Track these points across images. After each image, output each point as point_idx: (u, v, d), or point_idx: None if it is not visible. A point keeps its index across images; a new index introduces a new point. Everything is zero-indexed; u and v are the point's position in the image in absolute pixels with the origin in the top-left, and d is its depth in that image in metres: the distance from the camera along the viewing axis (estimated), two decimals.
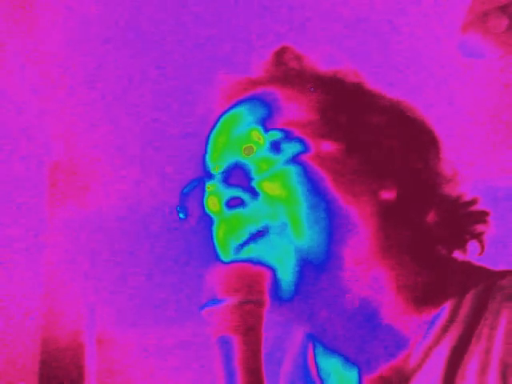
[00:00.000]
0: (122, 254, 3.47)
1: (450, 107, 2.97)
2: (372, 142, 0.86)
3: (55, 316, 3.17)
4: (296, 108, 0.87)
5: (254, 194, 0.82)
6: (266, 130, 0.83)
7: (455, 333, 0.79)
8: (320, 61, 0.95)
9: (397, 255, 0.84)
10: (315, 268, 0.79)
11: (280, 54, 0.95)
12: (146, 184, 3.47)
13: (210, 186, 0.85)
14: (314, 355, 0.91)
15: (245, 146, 0.84)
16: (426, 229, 0.86)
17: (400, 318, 0.82)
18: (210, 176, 0.86)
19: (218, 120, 0.92)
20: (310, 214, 0.79)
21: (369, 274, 0.82)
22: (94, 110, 3.03)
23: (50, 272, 3.18)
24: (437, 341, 0.79)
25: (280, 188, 0.80)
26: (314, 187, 0.80)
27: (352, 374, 0.83)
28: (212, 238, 0.90)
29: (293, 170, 0.81)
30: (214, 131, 0.91)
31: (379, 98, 0.92)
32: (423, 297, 0.83)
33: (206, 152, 0.92)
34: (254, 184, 0.82)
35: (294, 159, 0.81)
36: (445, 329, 0.80)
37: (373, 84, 0.96)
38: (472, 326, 0.79)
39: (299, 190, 0.80)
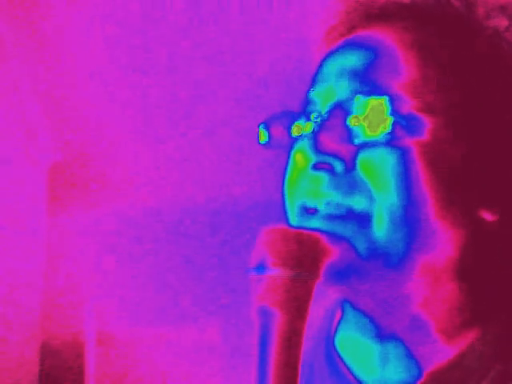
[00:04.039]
0: (123, 254, 3.47)
1: None
2: (496, 151, 0.74)
3: (55, 316, 3.17)
4: (424, 75, 0.73)
5: (348, 165, 0.72)
6: (387, 100, 0.72)
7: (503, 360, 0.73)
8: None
9: (473, 281, 0.76)
10: (383, 267, 0.72)
11: None
12: (147, 184, 3.47)
13: (299, 127, 0.76)
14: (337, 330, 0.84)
15: (352, 116, 0.73)
16: None
17: (451, 334, 0.77)
18: (306, 115, 0.76)
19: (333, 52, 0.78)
20: (398, 212, 0.71)
21: (435, 289, 0.75)
22: (94, 110, 3.03)
23: (50, 272, 3.18)
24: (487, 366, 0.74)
25: (378, 172, 0.71)
26: (413, 183, 0.71)
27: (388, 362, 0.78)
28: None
29: (397, 156, 0.71)
30: (328, 65, 0.78)
31: None
32: (482, 321, 0.76)
33: (311, 86, 0.79)
34: (352, 154, 0.72)
35: (405, 141, 0.71)
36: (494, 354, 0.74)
37: None
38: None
39: (396, 182, 0.71)
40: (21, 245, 2.79)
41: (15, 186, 2.74)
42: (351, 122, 0.73)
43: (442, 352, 0.75)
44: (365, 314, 0.78)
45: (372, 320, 0.78)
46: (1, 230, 2.55)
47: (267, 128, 0.79)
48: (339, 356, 0.81)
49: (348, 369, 0.80)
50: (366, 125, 0.73)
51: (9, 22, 2.48)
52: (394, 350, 0.78)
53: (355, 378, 0.79)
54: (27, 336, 2.85)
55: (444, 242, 0.74)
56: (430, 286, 0.75)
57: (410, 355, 0.77)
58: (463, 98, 0.74)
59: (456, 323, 0.76)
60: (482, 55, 0.76)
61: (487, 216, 0.74)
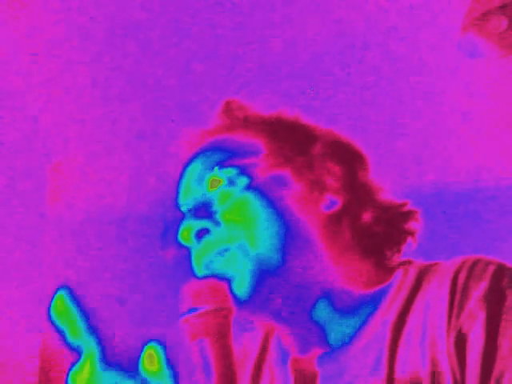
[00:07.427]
0: (123, 254, 3.47)
1: (449, 107, 2.98)
2: (312, 166, 1.04)
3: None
4: (247, 148, 1.04)
5: (216, 223, 0.99)
6: (223, 169, 1.01)
7: (398, 305, 0.96)
8: (263, 107, 1.14)
9: (345, 255, 1.02)
10: (269, 272, 0.96)
11: (227, 106, 1.14)
12: (146, 184, 3.47)
13: (184, 228, 1.03)
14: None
15: (211, 180, 1.01)
16: (366, 229, 1.04)
17: (351, 297, 1.00)
18: (182, 215, 1.03)
19: (186, 166, 1.09)
20: (264, 229, 0.97)
21: (321, 273, 1.00)
22: (94, 110, 3.03)
23: (50, 272, 3.19)
24: (386, 312, 0.97)
25: (237, 214, 0.98)
26: (266, 207, 0.98)
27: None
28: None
29: (246, 197, 0.99)
30: (184, 178, 1.09)
31: (314, 128, 1.11)
32: (370, 280, 1.02)
33: (177, 196, 1.09)
34: (216, 215, 0.99)
35: (247, 188, 0.99)
36: (390, 302, 0.97)
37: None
38: (411, 298, 0.96)
39: (253, 212, 0.98)
40: (20, 244, 2.79)
41: (15, 185, 2.74)
42: (211, 192, 1.01)
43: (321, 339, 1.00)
44: (279, 333, 1.04)
45: (283, 334, 1.03)
46: (0, 229, 2.55)
47: (165, 239, 1.06)
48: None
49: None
50: (223, 192, 1.00)
51: (8, 22, 2.48)
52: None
53: None
54: (27, 338, 2.85)
55: (309, 237, 0.99)
56: (318, 274, 0.99)
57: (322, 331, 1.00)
58: (300, 157, 1.04)
59: (356, 286, 1.00)
60: (303, 137, 1.08)
61: (328, 209, 1.02)
